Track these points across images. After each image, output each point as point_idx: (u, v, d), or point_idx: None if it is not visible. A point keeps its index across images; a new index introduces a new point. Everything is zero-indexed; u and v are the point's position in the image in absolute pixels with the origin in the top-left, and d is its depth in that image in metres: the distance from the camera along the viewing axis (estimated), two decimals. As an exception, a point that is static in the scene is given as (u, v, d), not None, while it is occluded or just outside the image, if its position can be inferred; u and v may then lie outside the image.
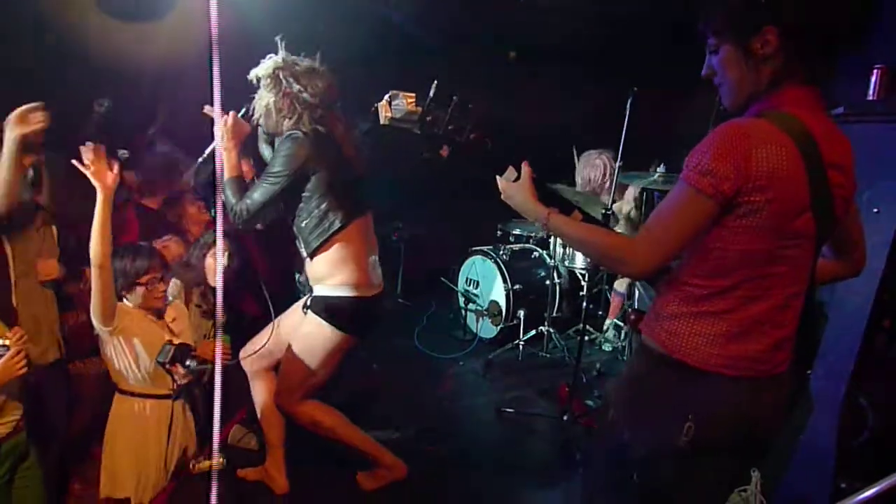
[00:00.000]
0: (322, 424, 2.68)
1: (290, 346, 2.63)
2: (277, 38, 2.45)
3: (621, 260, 1.44)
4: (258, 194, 2.43)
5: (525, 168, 1.65)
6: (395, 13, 4.26)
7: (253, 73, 2.46)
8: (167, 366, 2.45)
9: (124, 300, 2.49)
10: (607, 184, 4.54)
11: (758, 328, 1.44)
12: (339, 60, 2.53)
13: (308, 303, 2.63)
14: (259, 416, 2.81)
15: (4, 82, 3.70)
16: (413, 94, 1.71)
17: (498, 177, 1.68)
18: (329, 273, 2.55)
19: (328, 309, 2.55)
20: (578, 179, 4.75)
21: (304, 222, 2.51)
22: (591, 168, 4.64)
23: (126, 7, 4.23)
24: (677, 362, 1.47)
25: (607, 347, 4.67)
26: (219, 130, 2.39)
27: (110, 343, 2.44)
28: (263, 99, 2.46)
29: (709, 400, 1.46)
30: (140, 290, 2.48)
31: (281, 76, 2.41)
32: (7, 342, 2.05)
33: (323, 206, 2.48)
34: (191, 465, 2.39)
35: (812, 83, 1.42)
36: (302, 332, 2.61)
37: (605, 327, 4.79)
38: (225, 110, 2.37)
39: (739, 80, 1.45)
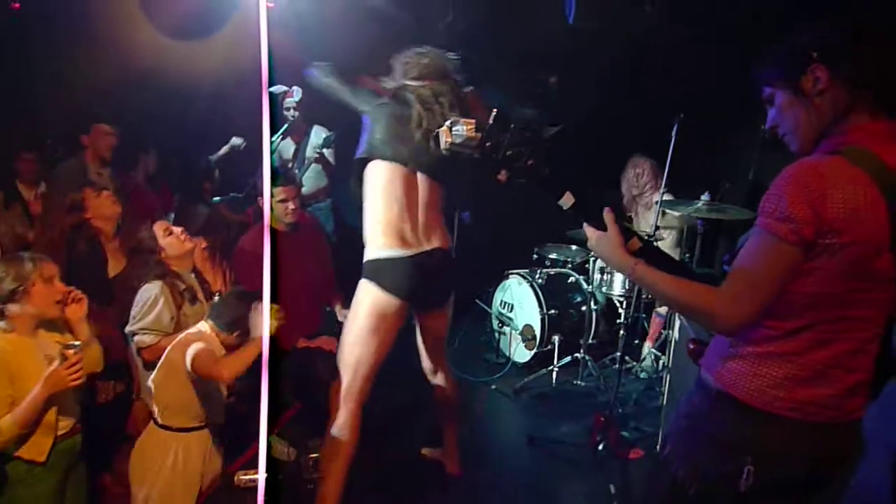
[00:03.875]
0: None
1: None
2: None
3: (710, 314, 1.37)
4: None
5: (608, 215, 1.61)
6: (445, 35, 4.31)
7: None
8: None
9: None
10: (646, 190, 4.50)
11: (828, 372, 1.38)
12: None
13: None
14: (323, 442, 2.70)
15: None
16: (473, 121, 1.72)
17: (586, 225, 1.64)
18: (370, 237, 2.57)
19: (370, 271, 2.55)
20: (623, 185, 4.69)
21: None
22: (634, 167, 4.57)
23: (179, 25, 4.37)
24: (739, 402, 1.42)
25: (644, 376, 4.56)
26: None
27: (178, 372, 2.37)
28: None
29: (770, 441, 1.40)
30: None
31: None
32: (77, 343, 2.08)
33: None
34: (235, 478, 2.38)
35: (881, 114, 1.36)
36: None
37: (642, 355, 4.69)
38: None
39: (801, 123, 1.42)
